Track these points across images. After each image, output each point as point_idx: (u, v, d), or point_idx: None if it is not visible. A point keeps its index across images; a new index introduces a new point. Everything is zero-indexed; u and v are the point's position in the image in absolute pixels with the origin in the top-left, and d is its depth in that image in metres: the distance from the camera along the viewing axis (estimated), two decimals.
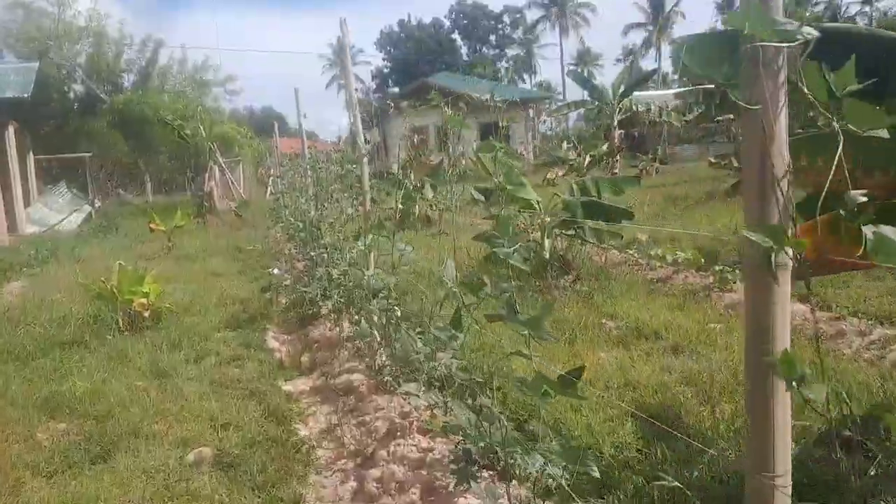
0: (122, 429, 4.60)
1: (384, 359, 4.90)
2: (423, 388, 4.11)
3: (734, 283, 7.14)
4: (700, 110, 20.25)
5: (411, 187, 4.24)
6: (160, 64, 31.64)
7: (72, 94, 30.52)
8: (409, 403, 4.50)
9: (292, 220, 11.90)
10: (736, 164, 8.15)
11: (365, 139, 6.71)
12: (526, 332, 2.55)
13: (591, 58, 74.54)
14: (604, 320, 6.24)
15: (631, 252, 8.67)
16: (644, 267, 8.55)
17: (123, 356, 6.23)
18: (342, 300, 6.51)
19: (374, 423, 4.30)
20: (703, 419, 3.98)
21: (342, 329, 6.39)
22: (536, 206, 8.00)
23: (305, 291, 7.06)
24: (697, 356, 5.16)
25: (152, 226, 13.47)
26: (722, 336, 5.58)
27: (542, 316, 2.52)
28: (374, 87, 73.80)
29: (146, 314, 7.26)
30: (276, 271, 11.06)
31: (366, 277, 4.96)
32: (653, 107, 20.66)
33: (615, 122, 20.08)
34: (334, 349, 6.19)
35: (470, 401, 3.96)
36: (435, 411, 4.10)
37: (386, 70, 76.51)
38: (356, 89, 6.58)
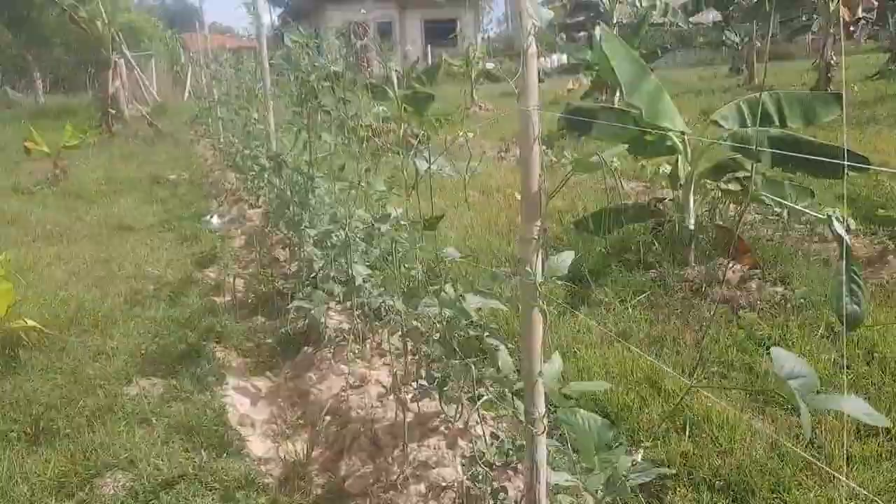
0: None
1: None
2: None
3: None
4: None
5: None
6: None
7: None
8: None
9: (235, 142, 8.34)
10: None
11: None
12: None
13: None
14: None
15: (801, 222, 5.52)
16: (808, 238, 5.47)
17: None
18: (396, 322, 3.26)
19: None
20: None
21: (399, 395, 3.04)
22: (680, 142, 4.77)
23: (303, 307, 3.72)
24: None
25: (28, 145, 9.37)
26: None
27: None
28: None
29: None
30: (215, 221, 7.57)
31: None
32: (658, 2, 17.31)
33: (615, 20, 16.78)
34: (386, 454, 2.95)
35: None
36: None
37: None
38: None
